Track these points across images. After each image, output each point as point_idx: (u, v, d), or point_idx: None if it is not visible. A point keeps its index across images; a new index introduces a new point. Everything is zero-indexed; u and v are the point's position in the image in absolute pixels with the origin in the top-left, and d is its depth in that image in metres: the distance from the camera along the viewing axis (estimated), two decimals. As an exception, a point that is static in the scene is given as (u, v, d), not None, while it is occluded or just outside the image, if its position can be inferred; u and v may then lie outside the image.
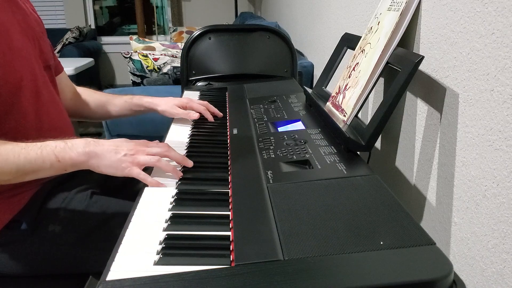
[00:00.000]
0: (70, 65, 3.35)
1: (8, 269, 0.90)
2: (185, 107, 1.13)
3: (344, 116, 0.94)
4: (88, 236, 0.91)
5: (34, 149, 0.77)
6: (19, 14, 0.94)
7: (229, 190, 0.73)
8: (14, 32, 0.89)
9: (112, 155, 0.78)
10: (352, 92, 0.94)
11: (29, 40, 0.94)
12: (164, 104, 1.14)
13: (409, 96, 0.93)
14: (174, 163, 0.82)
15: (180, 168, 0.81)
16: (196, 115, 1.07)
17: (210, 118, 1.11)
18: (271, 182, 0.73)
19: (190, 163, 0.82)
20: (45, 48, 1.02)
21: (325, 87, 1.18)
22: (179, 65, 1.98)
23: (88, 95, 1.21)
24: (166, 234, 0.60)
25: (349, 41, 1.15)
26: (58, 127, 1.00)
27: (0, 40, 0.84)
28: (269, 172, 0.76)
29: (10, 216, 0.89)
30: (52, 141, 0.79)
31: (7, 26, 0.87)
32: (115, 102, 1.20)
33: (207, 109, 1.13)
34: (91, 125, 3.86)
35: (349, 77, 1.00)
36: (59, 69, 1.14)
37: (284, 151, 0.85)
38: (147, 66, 2.17)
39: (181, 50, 1.66)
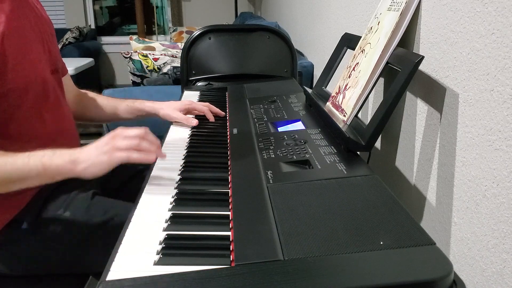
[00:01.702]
0: (70, 65, 3.36)
1: (8, 269, 0.90)
2: (187, 109, 1.14)
3: (344, 116, 0.94)
4: (88, 236, 0.92)
5: (21, 157, 0.77)
6: (32, 16, 0.94)
7: (229, 190, 0.73)
8: (28, 36, 0.89)
9: (94, 153, 0.78)
10: (352, 92, 0.94)
11: (40, 43, 0.94)
12: (166, 108, 1.14)
13: (409, 96, 0.93)
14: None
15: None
16: (195, 122, 1.08)
17: (212, 118, 1.12)
18: (271, 182, 0.73)
19: (163, 155, 0.82)
20: (54, 50, 1.02)
21: (325, 87, 1.18)
22: (179, 65, 1.98)
23: (91, 98, 1.21)
24: (166, 234, 0.60)
25: (349, 41, 1.15)
26: (63, 130, 0.99)
27: (13, 44, 0.85)
28: (269, 172, 0.76)
29: (11, 215, 0.89)
30: (41, 150, 0.79)
31: (23, 31, 0.88)
32: (117, 105, 1.20)
33: (210, 110, 1.14)
34: (91, 125, 3.86)
35: (349, 77, 1.00)
36: (64, 72, 1.14)
37: (284, 151, 0.85)
38: (147, 66, 2.17)
39: (181, 50, 1.66)
